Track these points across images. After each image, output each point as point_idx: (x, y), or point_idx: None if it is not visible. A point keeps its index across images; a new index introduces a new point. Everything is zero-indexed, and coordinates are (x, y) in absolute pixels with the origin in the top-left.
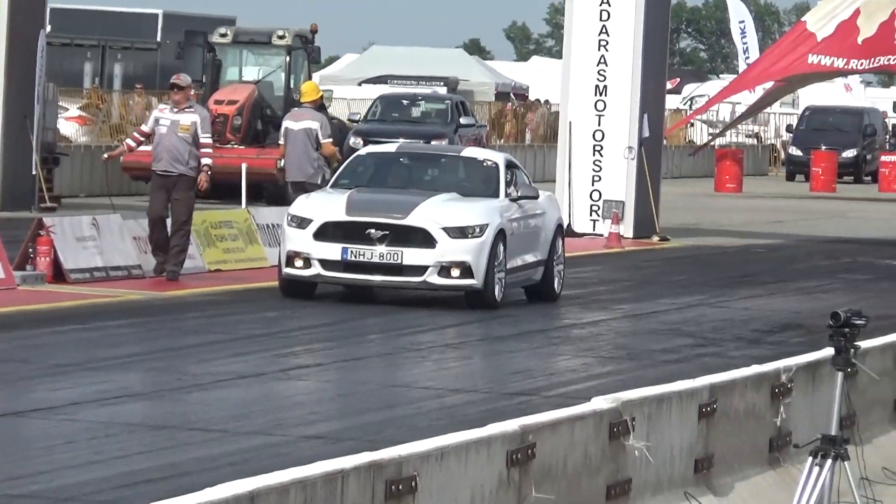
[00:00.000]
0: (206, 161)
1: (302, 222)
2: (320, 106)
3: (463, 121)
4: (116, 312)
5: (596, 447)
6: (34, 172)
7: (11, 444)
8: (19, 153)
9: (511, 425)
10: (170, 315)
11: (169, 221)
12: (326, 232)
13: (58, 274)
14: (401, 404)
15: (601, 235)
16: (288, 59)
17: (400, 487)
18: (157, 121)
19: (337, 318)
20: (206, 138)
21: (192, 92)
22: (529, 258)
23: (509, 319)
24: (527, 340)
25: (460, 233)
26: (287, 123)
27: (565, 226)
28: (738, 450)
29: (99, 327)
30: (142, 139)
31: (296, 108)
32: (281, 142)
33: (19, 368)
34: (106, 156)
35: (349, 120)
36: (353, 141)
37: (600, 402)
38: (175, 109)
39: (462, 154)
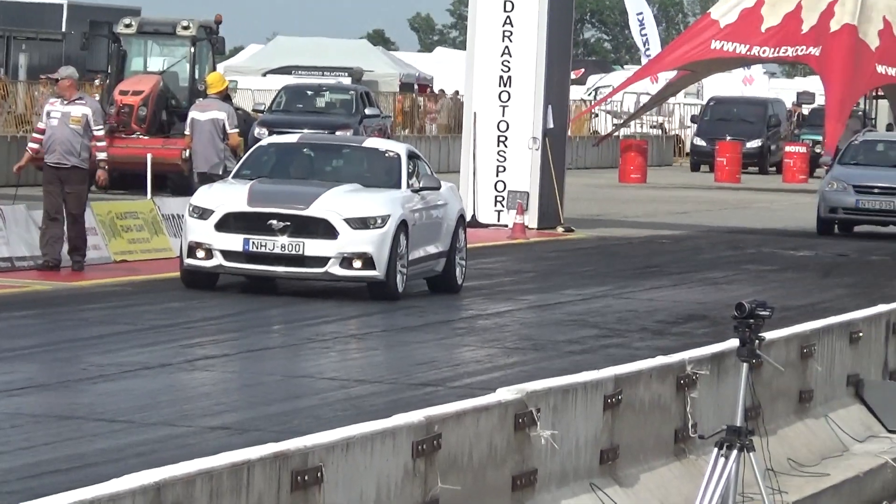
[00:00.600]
0: (101, 156)
1: (203, 213)
2: (226, 97)
3: (368, 111)
4: (21, 303)
5: (501, 438)
6: None
7: None
8: None
9: (416, 416)
10: (75, 305)
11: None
12: (228, 223)
13: None
14: (306, 395)
15: (506, 226)
16: (192, 49)
17: (306, 478)
18: (48, 114)
19: (240, 308)
20: (98, 131)
21: (100, 83)
22: (431, 249)
23: (414, 310)
24: (431, 331)
25: (362, 224)
26: (193, 114)
27: (470, 216)
28: (643, 441)
29: (3, 318)
30: (41, 137)
31: (201, 99)
32: (187, 132)
33: None
34: (16, 168)
35: (254, 110)
36: (258, 132)
37: (505, 393)
38: (65, 101)
39: (364, 145)
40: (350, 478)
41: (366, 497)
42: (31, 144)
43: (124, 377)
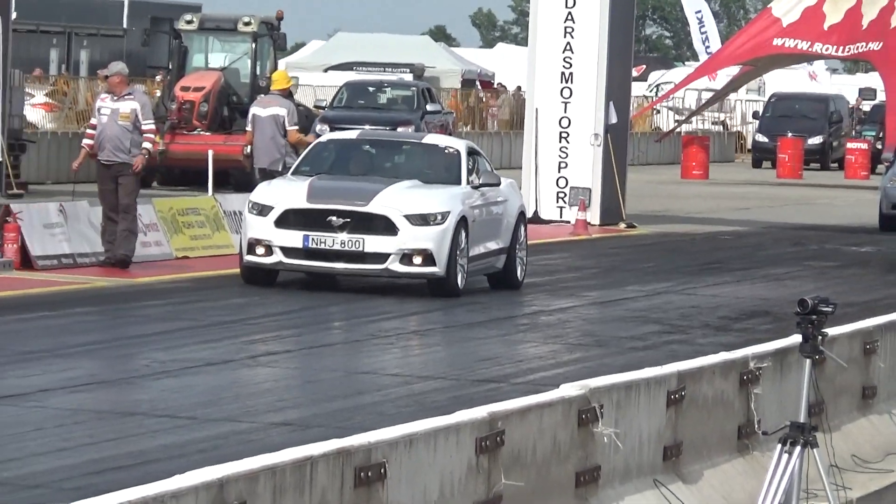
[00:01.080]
0: (146, 145)
1: (263, 209)
2: (288, 94)
3: (429, 108)
4: (84, 299)
5: (565, 434)
6: (0, 159)
7: None
8: None
9: (480, 412)
10: (138, 302)
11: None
12: (287, 219)
13: (25, 261)
14: (368, 391)
15: (568, 222)
16: (254, 45)
17: (369, 474)
18: (98, 110)
19: (302, 304)
20: (148, 125)
21: (160, 79)
22: (492, 245)
23: (476, 306)
24: (494, 327)
25: (422, 220)
26: (255, 110)
27: (532, 213)
28: (706, 437)
29: (67, 314)
30: (94, 133)
31: (263, 95)
32: (248, 128)
33: None
34: (74, 166)
35: (315, 107)
36: (320, 128)
37: (569, 389)
38: (115, 97)
39: (424, 141)
40: (413, 474)
41: (429, 493)
42: (85, 141)
43: (186, 373)
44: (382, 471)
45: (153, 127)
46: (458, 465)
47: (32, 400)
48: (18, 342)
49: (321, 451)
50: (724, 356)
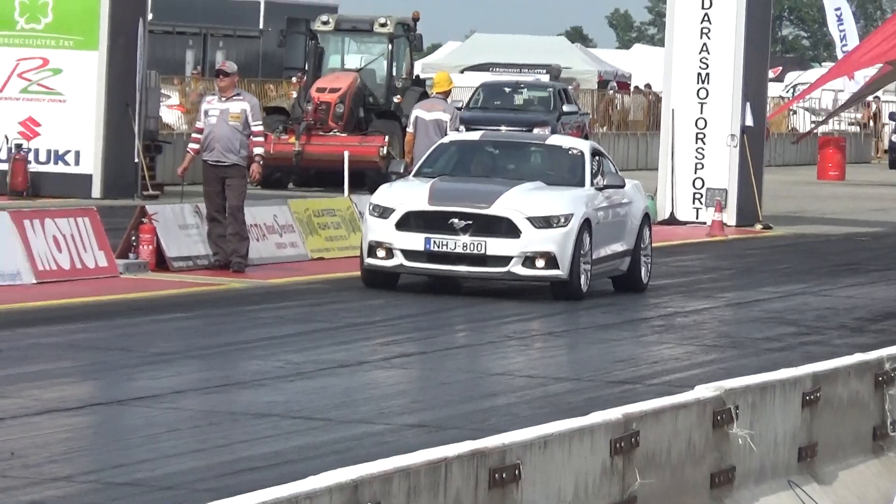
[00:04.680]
0: (258, 150)
1: (384, 212)
2: (447, 95)
3: (566, 108)
4: (219, 301)
5: (699, 435)
6: (136, 160)
7: (115, 433)
8: (121, 141)
9: (614, 413)
10: (271, 303)
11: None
12: (409, 222)
13: (160, 262)
14: (503, 393)
15: (704, 223)
16: (390, 46)
17: (504, 475)
18: (206, 112)
19: (426, 308)
20: (257, 126)
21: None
22: (616, 248)
23: (604, 308)
24: (629, 329)
25: (545, 222)
26: (418, 112)
27: (668, 213)
28: (841, 438)
29: (201, 315)
30: (200, 137)
31: (427, 99)
32: (409, 129)
33: (121, 357)
34: (180, 171)
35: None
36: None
37: (704, 391)
38: (223, 98)
39: (547, 142)
40: (548, 475)
41: (563, 494)
42: (191, 145)
43: (321, 375)
44: (517, 472)
45: (262, 128)
46: (593, 467)
47: (166, 401)
48: (153, 343)
49: (456, 453)
50: (859, 357)
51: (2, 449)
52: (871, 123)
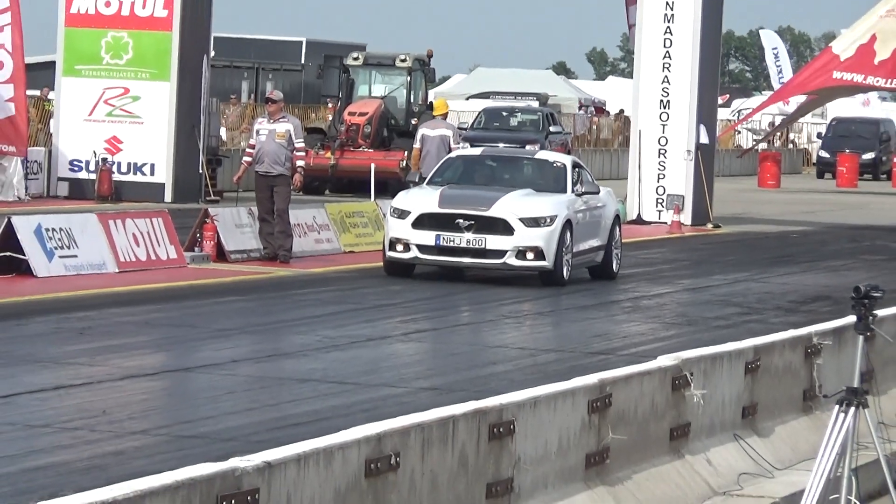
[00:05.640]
0: (300, 163)
1: (402, 213)
2: (445, 116)
3: (552, 129)
4: (268, 286)
5: (661, 397)
6: (200, 171)
7: (183, 395)
8: (188, 156)
9: (591, 379)
10: (312, 288)
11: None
12: (423, 221)
13: (220, 254)
14: (501, 361)
15: (665, 223)
16: (409, 78)
17: (501, 430)
18: (257, 132)
19: (437, 292)
20: (299, 143)
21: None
22: (592, 243)
23: (584, 293)
24: (604, 310)
25: (534, 222)
26: (424, 130)
27: (636, 215)
28: (777, 399)
29: (254, 298)
30: (252, 151)
31: (431, 119)
32: (416, 145)
33: (189, 332)
34: (235, 179)
35: (459, 128)
36: (462, 146)
37: (665, 360)
38: (271, 120)
39: (535, 157)
40: (537, 430)
41: (550, 445)
42: (245, 158)
43: (352, 347)
44: (512, 427)
45: (303, 145)
46: (574, 423)
47: (225, 369)
48: (214, 321)
49: (461, 411)
50: (792, 333)
51: (95, 408)
52: (779, 143)
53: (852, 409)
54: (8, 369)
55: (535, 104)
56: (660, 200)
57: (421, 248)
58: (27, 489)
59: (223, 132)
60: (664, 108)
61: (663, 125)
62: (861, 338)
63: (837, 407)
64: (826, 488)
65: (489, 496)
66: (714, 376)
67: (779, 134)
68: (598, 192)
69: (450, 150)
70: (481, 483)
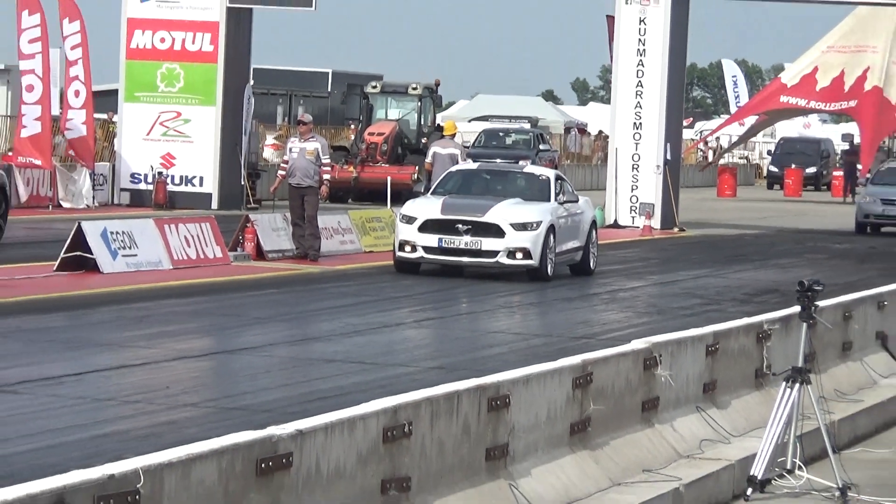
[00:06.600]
0: (326, 176)
1: (410, 219)
2: (454, 136)
3: (542, 147)
4: (300, 281)
5: (634, 375)
6: (242, 183)
7: (226, 373)
8: (232, 170)
9: (575, 360)
10: (337, 282)
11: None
12: (427, 226)
13: (259, 254)
14: (497, 345)
15: (638, 227)
16: (419, 104)
17: (498, 403)
18: (290, 149)
19: (441, 287)
20: (326, 159)
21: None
22: (572, 244)
23: (566, 287)
24: (585, 301)
25: (523, 227)
26: (435, 149)
27: (612, 220)
28: (733, 377)
29: (288, 291)
30: (286, 166)
31: (441, 139)
32: (428, 160)
33: (231, 320)
34: (271, 189)
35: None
36: (465, 161)
37: (638, 343)
38: (302, 139)
39: (524, 170)
40: (529, 403)
41: (539, 416)
42: (280, 172)
43: (370, 332)
44: (507, 400)
45: (329, 160)
46: (560, 397)
47: (263, 352)
48: (253, 311)
49: (464, 387)
50: (746, 321)
51: (158, 384)
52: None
53: (797, 385)
54: (78, 351)
55: (527, 126)
56: (633, 208)
57: (426, 249)
58: (94, 453)
59: (269, 153)
60: (637, 128)
61: (636, 143)
62: (805, 325)
63: (784, 383)
64: (775, 452)
65: (488, 459)
66: (679, 357)
67: (741, 146)
68: (577, 201)
69: None
70: (481, 448)
